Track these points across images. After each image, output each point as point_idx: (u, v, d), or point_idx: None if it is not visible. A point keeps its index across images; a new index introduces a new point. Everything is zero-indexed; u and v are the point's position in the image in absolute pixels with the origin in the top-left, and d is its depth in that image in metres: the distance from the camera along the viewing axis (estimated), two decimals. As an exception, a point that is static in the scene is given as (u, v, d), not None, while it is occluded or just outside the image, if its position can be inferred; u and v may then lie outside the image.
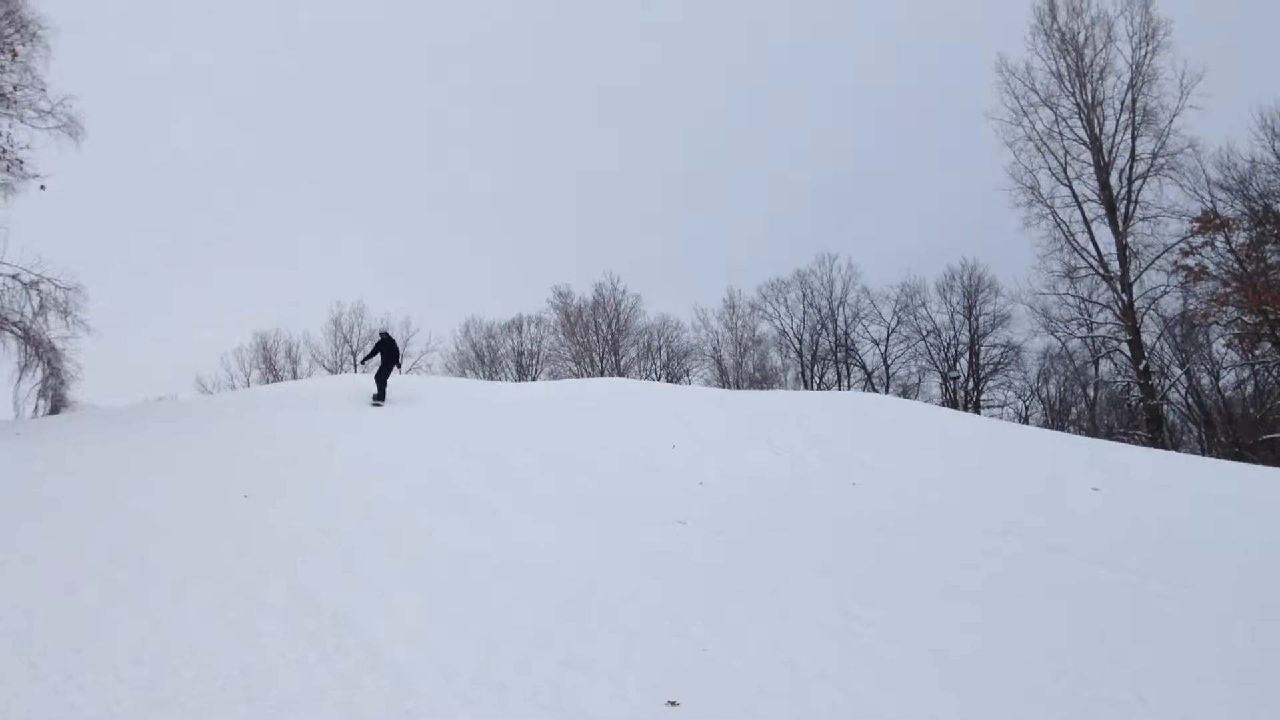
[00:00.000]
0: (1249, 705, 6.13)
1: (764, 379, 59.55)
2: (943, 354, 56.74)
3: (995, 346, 55.18)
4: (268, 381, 59.31)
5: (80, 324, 24.04)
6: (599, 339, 64.40)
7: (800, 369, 60.10)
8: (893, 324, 58.07)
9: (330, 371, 60.59)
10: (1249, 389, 46.77)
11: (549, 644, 6.67)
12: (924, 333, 57.13)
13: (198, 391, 59.88)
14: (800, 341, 60.24)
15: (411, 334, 65.62)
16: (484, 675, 6.02)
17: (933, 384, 56.96)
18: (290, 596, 7.50)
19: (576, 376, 57.36)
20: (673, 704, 5.72)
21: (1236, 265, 39.16)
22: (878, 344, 58.56)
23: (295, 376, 60.63)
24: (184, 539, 9.35)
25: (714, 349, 63.53)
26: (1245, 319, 39.13)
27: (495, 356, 65.67)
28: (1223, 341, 43.88)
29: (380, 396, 22.75)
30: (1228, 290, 39.22)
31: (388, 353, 24.16)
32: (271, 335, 65.43)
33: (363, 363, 23.81)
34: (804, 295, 60.03)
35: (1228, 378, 47.18)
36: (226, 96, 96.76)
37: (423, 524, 10.49)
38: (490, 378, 58.83)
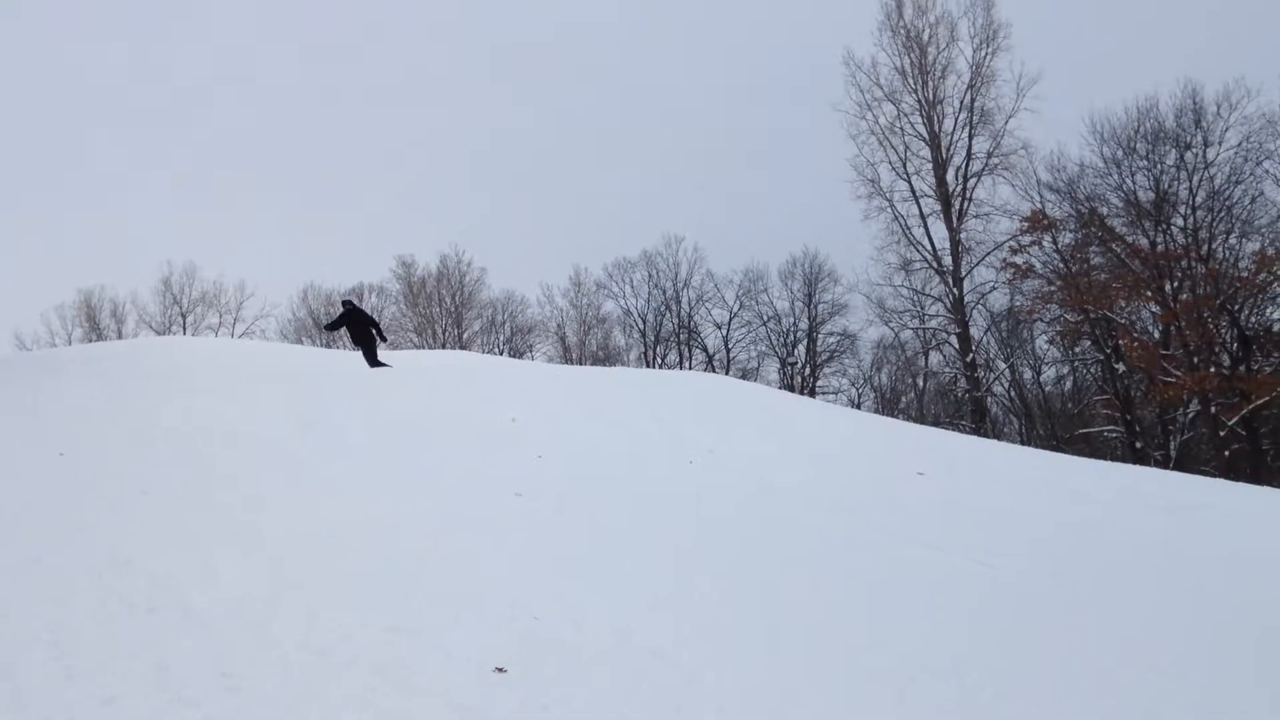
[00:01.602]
0: (1059, 674, 6.43)
1: (607, 358, 59.85)
2: (782, 340, 57.99)
3: (832, 334, 56.68)
4: (90, 341, 56.97)
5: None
6: (442, 310, 63.77)
7: (643, 349, 60.62)
8: (735, 308, 59.09)
9: (158, 333, 58.53)
10: (1068, 385, 49.09)
11: (375, 612, 6.55)
12: (765, 318, 58.31)
13: (16, 348, 57.19)
14: (644, 322, 60.77)
15: (246, 297, 63.97)
16: (306, 641, 5.88)
17: (771, 369, 58.19)
18: (105, 557, 7.20)
19: (418, 348, 56.67)
20: (500, 670, 5.69)
21: (1061, 265, 40.95)
22: (720, 327, 59.52)
23: (120, 337, 58.41)
24: (-9, 496, 8.92)
25: (558, 326, 63.64)
26: (1067, 317, 40.96)
27: (334, 324, 64.30)
28: (1045, 338, 46.00)
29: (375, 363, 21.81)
30: (1052, 289, 41.01)
31: (356, 323, 21.90)
32: (96, 293, 62.94)
33: (328, 329, 23.76)
34: (650, 276, 60.51)
35: (1048, 373, 49.49)
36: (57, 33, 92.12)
37: (251, 490, 10.20)
38: (327, 346, 57.64)
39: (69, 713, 4.71)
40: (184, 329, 61.36)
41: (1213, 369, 35.51)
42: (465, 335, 63.07)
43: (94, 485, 9.74)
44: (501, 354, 57.87)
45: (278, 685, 5.23)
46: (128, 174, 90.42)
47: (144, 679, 5.14)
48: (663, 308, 60.03)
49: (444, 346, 58.73)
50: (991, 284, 44.83)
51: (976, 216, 44.10)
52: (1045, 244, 41.61)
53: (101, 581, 6.68)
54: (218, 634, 5.88)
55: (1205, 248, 37.07)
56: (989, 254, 43.90)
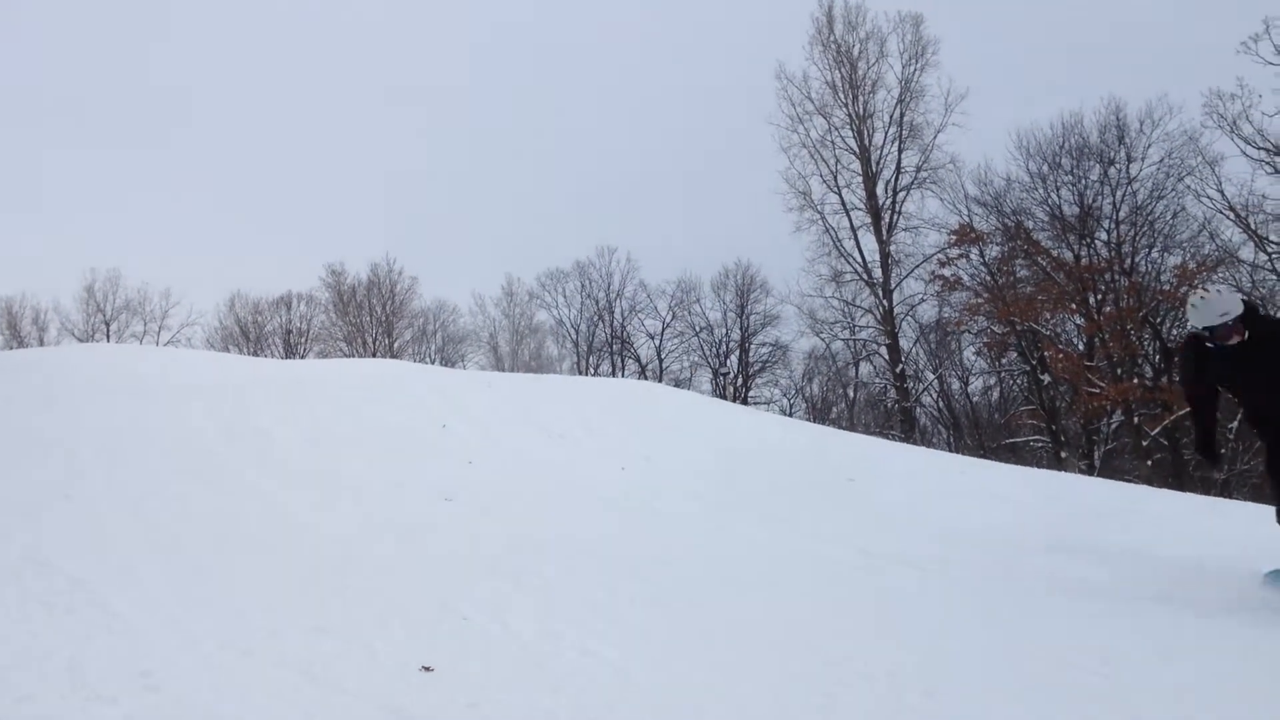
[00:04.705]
0: (988, 673, 6.47)
1: (540, 367, 59.66)
2: (715, 350, 58.14)
3: (764, 345, 56.89)
4: (12, 348, 55.76)
5: None
6: (373, 320, 63.25)
7: (576, 359, 60.53)
8: (668, 319, 59.14)
9: (81, 341, 57.42)
10: (995, 395, 49.77)
11: (301, 613, 6.47)
12: (698, 329, 58.37)
13: (-65, 354, 55.73)
14: (577, 332, 60.66)
15: (172, 305, 63.01)
16: (230, 641, 5.78)
17: (704, 379, 58.31)
18: (23, 559, 7.05)
19: (348, 357, 56.11)
20: (427, 669, 5.64)
21: (988, 277, 41.60)
22: (653, 338, 59.56)
23: (42, 344, 57.22)
24: (-96, 499, 8.70)
25: (491, 335, 63.37)
26: (994, 329, 41.64)
27: (262, 333, 63.61)
28: (973, 349, 46.62)
29: None
30: (979, 301, 41.62)
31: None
32: (17, 300, 61.67)
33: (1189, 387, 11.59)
34: (583, 286, 60.42)
35: (976, 384, 50.16)
36: None
37: (175, 495, 10.03)
38: (255, 354, 56.89)
39: (-20, 711, 4.60)
40: (108, 336, 60.27)
41: (1136, 380, 36.24)
42: (396, 344, 62.59)
43: (14, 488, 9.53)
44: (433, 363, 57.45)
45: (200, 684, 5.13)
46: (49, 179, 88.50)
47: (60, 677, 5.02)
48: (595, 318, 60.01)
49: (374, 356, 58.22)
50: (920, 296, 45.45)
51: (906, 229, 44.74)
52: (973, 257, 42.29)
53: (19, 581, 6.54)
54: (138, 634, 5.77)
55: (1128, 261, 37.85)
56: (918, 266, 44.56)
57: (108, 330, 61.37)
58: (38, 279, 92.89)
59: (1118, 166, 38.10)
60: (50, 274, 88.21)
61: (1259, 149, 34.26)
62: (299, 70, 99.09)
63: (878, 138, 45.37)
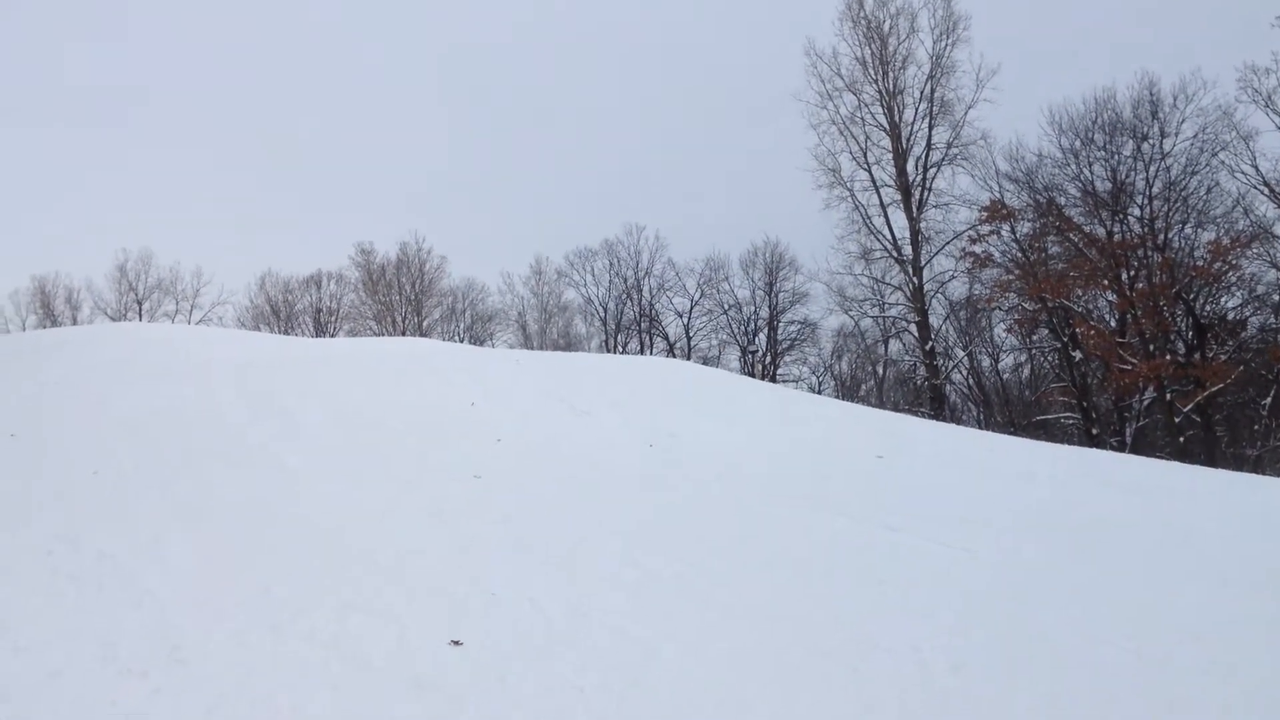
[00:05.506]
0: (1014, 649, 6.46)
1: (568, 346, 59.58)
2: (743, 328, 57.80)
3: (793, 323, 56.49)
4: (45, 327, 56.23)
5: None
6: (402, 298, 63.35)
7: (605, 338, 60.36)
8: (696, 297, 58.73)
9: (113, 320, 57.84)
10: (1025, 372, 49.33)
11: (330, 590, 6.49)
12: (726, 306, 58.01)
13: (-31, 335, 56.27)
14: (605, 310, 60.45)
15: (203, 284, 63.37)
16: (259, 617, 5.82)
17: (732, 357, 57.99)
18: (54, 536, 7.11)
19: (377, 335, 56.27)
20: (456, 644, 5.66)
21: (1020, 254, 41.11)
22: (681, 316, 59.20)
23: (75, 323, 57.67)
24: (-60, 477, 8.79)
25: (519, 314, 63.34)
26: (1025, 306, 41.17)
27: (292, 312, 63.83)
28: (1003, 326, 46.14)
29: None
30: (1010, 278, 41.15)
31: None
32: (51, 279, 62.17)
33: None
34: (611, 265, 60.15)
35: (1006, 361, 49.64)
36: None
37: (203, 473, 10.08)
38: (286, 333, 57.12)
39: (15, 685, 4.64)
40: (140, 315, 60.68)
41: (1168, 356, 35.82)
42: (425, 323, 62.69)
43: (45, 466, 9.61)
44: (462, 342, 57.55)
45: (230, 658, 5.17)
46: (84, 161, 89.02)
47: (92, 652, 5.07)
48: (624, 296, 59.82)
49: (404, 334, 58.36)
50: (950, 273, 44.91)
51: (936, 206, 44.21)
52: (1004, 233, 41.78)
53: (50, 558, 6.60)
54: (168, 609, 5.81)
55: (1161, 237, 37.36)
56: (948, 243, 44.03)
57: (140, 309, 61.81)
58: (71, 258, 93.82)
59: (1151, 142, 37.53)
60: (83, 253, 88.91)
61: (1294, 124, 33.76)
62: (327, 55, 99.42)
63: (908, 114, 44.84)
